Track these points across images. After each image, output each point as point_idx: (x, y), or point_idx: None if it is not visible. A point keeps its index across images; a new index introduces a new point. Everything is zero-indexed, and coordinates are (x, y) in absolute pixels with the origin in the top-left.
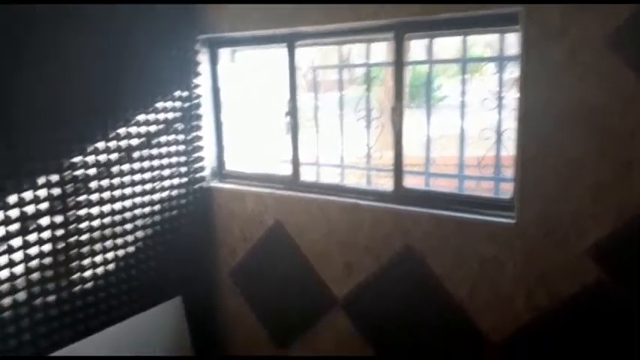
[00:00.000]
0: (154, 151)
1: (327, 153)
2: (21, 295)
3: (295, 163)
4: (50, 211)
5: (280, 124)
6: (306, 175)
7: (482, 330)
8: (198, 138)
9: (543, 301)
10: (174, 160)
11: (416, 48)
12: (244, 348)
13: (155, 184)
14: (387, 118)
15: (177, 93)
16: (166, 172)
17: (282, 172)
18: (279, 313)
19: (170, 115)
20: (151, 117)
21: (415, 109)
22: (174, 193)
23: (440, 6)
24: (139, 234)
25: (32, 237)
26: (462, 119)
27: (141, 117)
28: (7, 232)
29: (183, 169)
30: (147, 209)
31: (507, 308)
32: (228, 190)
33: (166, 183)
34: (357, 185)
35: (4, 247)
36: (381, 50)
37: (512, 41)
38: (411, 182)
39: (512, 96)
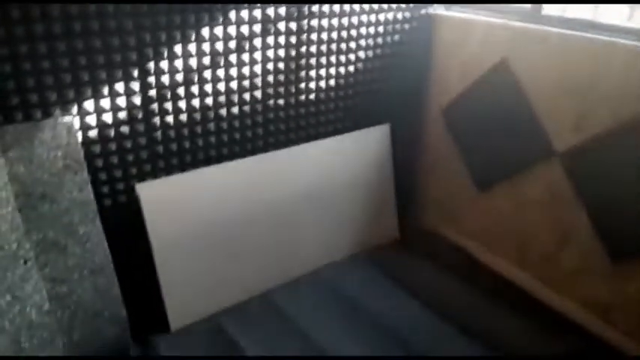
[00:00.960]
0: None
1: None
2: (257, 94)
3: None
4: (286, 18)
5: None
6: (550, 9)
7: None
8: None
9: None
10: None
11: None
12: (444, 186)
13: (380, 4)
14: None
15: None
16: None
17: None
18: (486, 156)
19: None
20: None
21: None
22: (399, 15)
23: None
24: (361, 54)
25: (270, 40)
26: None
27: None
28: (251, 31)
29: None
30: (371, 29)
31: None
32: (456, 20)
33: (392, 5)
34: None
35: (249, 45)
36: None
37: None
38: None
39: None
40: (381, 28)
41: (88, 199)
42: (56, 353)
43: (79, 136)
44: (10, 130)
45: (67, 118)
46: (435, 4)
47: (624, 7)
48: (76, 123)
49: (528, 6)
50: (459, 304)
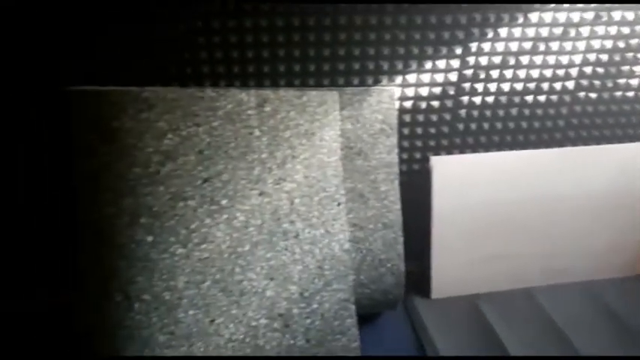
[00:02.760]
0: None
1: None
2: (570, 84)
3: None
4: (622, 6)
5: None
6: None
7: None
8: None
9: None
10: None
11: None
12: None
13: None
14: None
15: None
16: None
17: None
18: None
19: None
20: None
21: None
22: None
23: None
24: None
25: (599, 29)
26: None
27: None
28: (582, 18)
29: None
30: None
31: None
32: None
33: None
34: None
35: (574, 33)
36: None
37: None
38: None
39: None
40: None
41: (393, 161)
42: (347, 286)
43: (397, 104)
44: (347, 92)
45: (391, 87)
46: None
47: None
48: (397, 92)
49: None
50: None
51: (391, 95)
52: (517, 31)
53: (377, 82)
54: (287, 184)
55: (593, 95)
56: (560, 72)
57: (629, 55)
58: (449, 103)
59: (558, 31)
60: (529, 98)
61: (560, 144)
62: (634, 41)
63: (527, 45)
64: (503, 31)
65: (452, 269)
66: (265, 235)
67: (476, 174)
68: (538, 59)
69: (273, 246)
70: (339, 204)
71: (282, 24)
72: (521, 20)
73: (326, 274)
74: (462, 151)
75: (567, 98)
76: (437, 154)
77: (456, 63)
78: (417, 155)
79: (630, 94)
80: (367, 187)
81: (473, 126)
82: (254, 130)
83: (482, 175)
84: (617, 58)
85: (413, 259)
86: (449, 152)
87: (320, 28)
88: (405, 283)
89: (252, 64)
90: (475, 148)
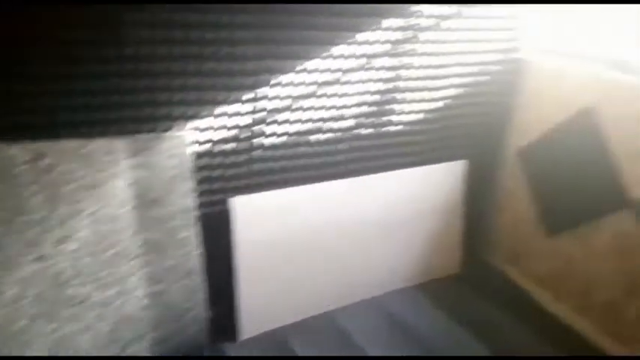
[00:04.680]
0: (480, 12)
1: None
2: (346, 123)
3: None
4: (386, 54)
5: None
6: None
7: None
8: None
9: None
10: (495, 23)
11: None
12: (511, 227)
13: (474, 45)
14: None
15: None
16: (486, 35)
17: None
18: (559, 201)
19: None
20: None
21: None
22: (490, 58)
23: None
24: (448, 92)
25: (366, 75)
26: None
27: None
28: (350, 66)
29: (502, 35)
30: (461, 69)
31: None
32: (545, 67)
33: (484, 46)
34: None
35: (347, 78)
36: None
37: None
38: None
39: None
40: (471, 69)
41: (191, 206)
42: (144, 347)
43: (191, 149)
44: (138, 140)
45: (183, 133)
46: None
47: None
48: (190, 137)
49: (621, 54)
50: (512, 342)
51: (183, 141)
52: (300, 77)
53: (169, 128)
54: (70, 244)
55: (368, 131)
56: (338, 113)
57: (395, 95)
58: (242, 145)
59: (331, 77)
60: (313, 137)
61: (346, 176)
62: (396, 84)
63: (309, 89)
64: (287, 78)
65: (258, 306)
66: (45, 305)
67: (274, 210)
68: (316, 102)
69: (55, 316)
70: (132, 259)
71: (65, 72)
72: (302, 67)
73: (121, 338)
74: (259, 190)
75: (346, 135)
76: (235, 195)
77: (244, 108)
78: (216, 198)
79: (398, 128)
80: (164, 236)
81: (267, 165)
82: (28, 188)
83: (279, 211)
84: (385, 98)
85: (219, 302)
86: (247, 192)
87: (106, 75)
88: (209, 329)
89: (26, 114)
90: (271, 186)
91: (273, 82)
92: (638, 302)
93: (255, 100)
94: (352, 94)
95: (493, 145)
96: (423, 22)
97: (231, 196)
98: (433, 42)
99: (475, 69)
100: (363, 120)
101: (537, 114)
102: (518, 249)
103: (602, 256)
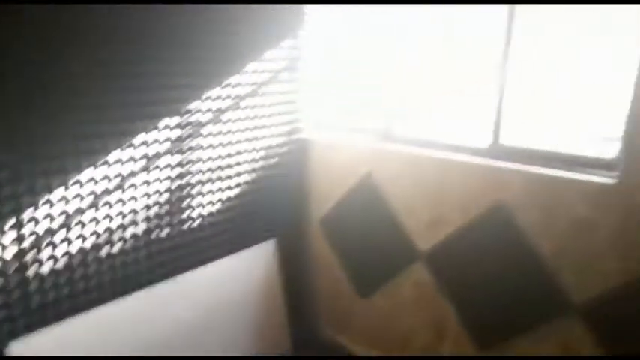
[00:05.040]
0: (259, 100)
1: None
2: (140, 229)
3: (389, 115)
4: (168, 152)
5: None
6: (403, 127)
7: (565, 289)
8: (298, 90)
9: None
10: (276, 109)
11: None
12: (330, 296)
13: (258, 132)
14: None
15: (284, 43)
16: (268, 121)
17: (376, 124)
18: (363, 263)
19: (276, 65)
20: (259, 66)
21: None
22: (275, 142)
23: None
24: (242, 178)
25: (151, 175)
26: None
27: (250, 66)
28: (132, 171)
29: (284, 119)
30: (250, 155)
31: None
32: (324, 142)
33: (268, 132)
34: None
35: (130, 182)
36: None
37: None
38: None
39: None
40: (259, 154)
41: None
42: None
43: None
44: None
45: None
46: (308, 131)
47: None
48: None
49: (384, 125)
50: None
51: None
52: (73, 191)
53: None
54: None
55: (165, 232)
56: (128, 219)
57: (188, 190)
58: (11, 281)
59: (113, 184)
60: (103, 252)
61: (151, 283)
62: (186, 179)
63: (85, 203)
64: (58, 193)
65: None
66: None
67: (67, 345)
68: (100, 214)
69: None
70: None
71: None
72: (75, 180)
73: None
74: (46, 326)
75: (142, 241)
76: (16, 338)
77: (8, 237)
78: None
79: (199, 222)
80: None
81: (50, 296)
82: None
83: (74, 344)
84: (178, 195)
85: None
86: (31, 331)
87: None
88: None
89: None
90: (63, 317)
91: (40, 203)
92: (448, 343)
93: (20, 226)
94: (140, 197)
95: (296, 219)
96: (201, 117)
97: (13, 340)
98: (215, 135)
99: (263, 153)
100: (157, 222)
101: (329, 184)
102: (340, 314)
103: (409, 307)
